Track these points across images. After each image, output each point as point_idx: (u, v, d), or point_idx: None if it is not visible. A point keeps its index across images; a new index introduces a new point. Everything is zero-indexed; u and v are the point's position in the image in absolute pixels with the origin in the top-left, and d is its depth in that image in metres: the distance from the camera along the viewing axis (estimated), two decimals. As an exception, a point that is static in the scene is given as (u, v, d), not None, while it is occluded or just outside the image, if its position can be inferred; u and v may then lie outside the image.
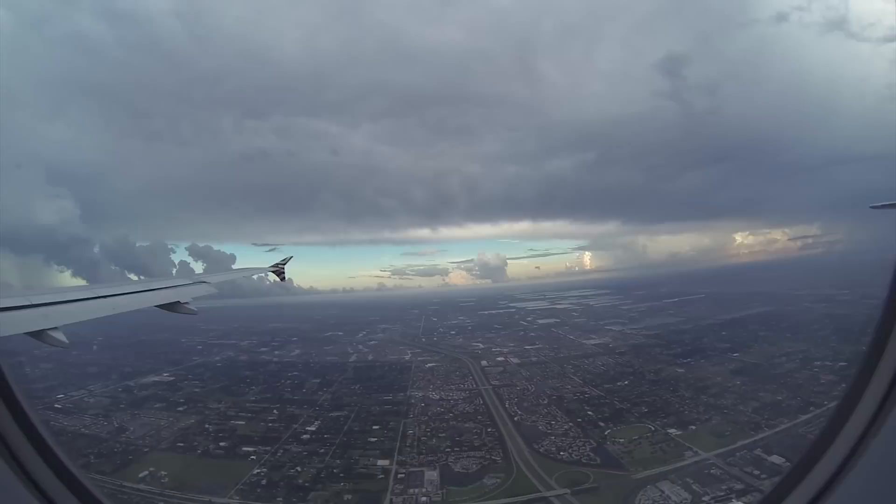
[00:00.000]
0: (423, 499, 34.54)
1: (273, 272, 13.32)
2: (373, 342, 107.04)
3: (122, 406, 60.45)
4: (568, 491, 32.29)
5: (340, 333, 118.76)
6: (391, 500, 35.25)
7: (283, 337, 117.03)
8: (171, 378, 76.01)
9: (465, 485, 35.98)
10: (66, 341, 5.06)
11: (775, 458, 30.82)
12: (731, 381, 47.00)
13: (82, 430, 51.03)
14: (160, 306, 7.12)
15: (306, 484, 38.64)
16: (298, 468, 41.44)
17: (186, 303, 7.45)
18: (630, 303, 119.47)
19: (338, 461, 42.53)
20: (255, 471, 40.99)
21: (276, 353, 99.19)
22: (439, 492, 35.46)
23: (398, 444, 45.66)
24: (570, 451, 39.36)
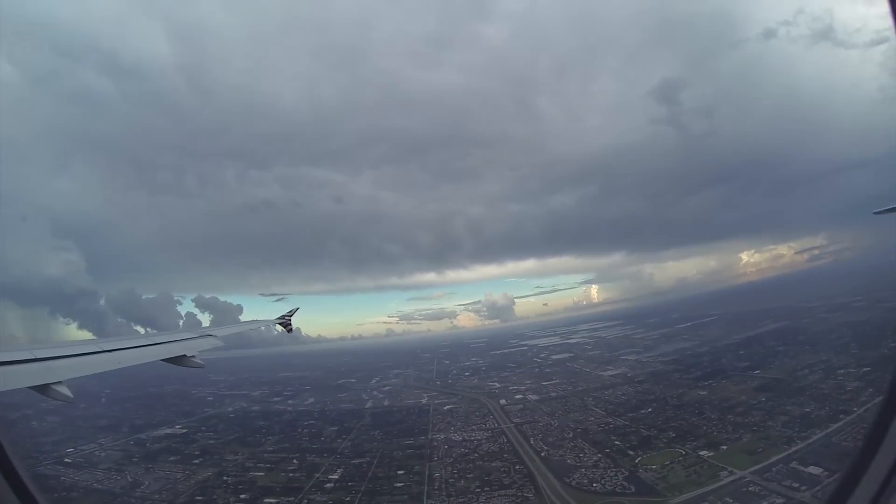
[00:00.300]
0: None
1: (280, 324, 13.31)
2: (387, 388, 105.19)
3: (134, 459, 59.69)
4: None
5: (353, 380, 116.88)
6: None
7: (294, 386, 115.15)
8: (184, 430, 74.90)
9: None
10: (71, 396, 5.05)
11: (813, 469, 30.41)
12: (755, 398, 46.56)
13: (94, 484, 50.36)
14: (166, 360, 7.13)
15: None
16: None
17: (193, 356, 7.44)
18: (643, 331, 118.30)
19: None
20: None
21: (290, 402, 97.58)
22: None
23: (426, 487, 44.82)
24: (602, 482, 38.58)
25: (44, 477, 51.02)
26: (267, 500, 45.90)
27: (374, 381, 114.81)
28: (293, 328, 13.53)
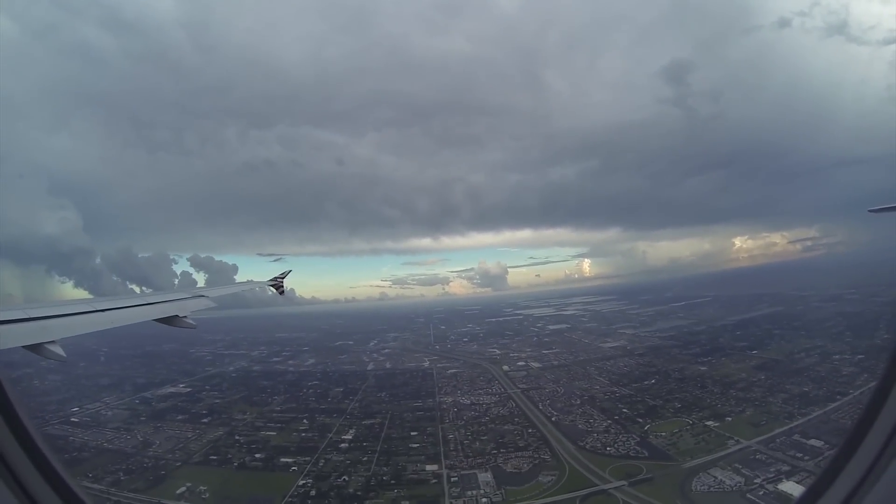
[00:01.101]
0: (484, 500, 35.77)
1: (272, 286, 13.35)
2: (387, 350, 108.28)
3: (142, 419, 60.10)
4: (625, 483, 34.61)
5: (351, 342, 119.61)
6: (451, 502, 36.16)
7: (293, 347, 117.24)
8: (188, 389, 75.84)
9: (521, 484, 37.52)
10: (64, 355, 5.09)
11: (814, 442, 33.89)
12: (755, 376, 50.41)
13: (105, 444, 50.34)
14: (158, 320, 7.19)
15: (358, 493, 38.96)
16: (345, 477, 41.81)
17: (185, 317, 7.49)
18: (637, 307, 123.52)
19: (384, 468, 43.25)
20: (301, 482, 40.99)
21: (291, 362, 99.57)
22: (498, 492, 36.66)
23: (442, 448, 46.55)
24: (615, 446, 41.81)
25: (52, 437, 50.99)
26: (283, 459, 46.29)
27: (372, 344, 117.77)
28: (285, 290, 13.65)
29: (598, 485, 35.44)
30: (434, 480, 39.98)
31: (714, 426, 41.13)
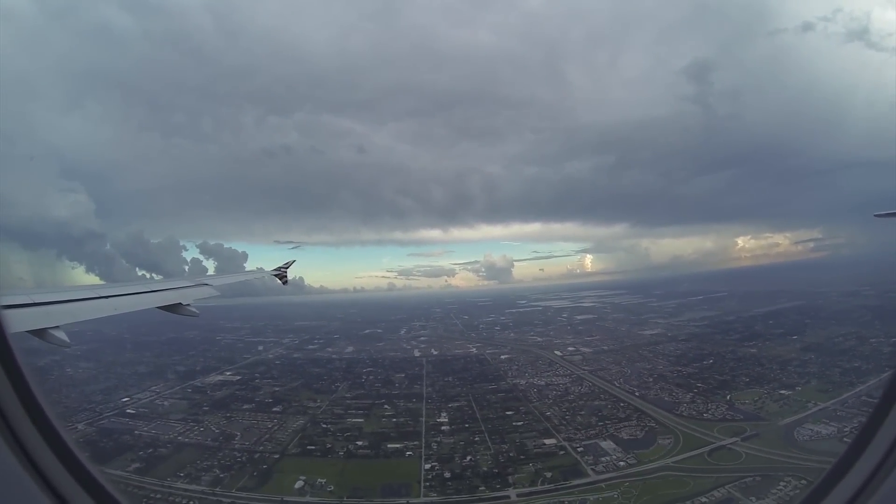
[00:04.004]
0: (621, 462, 41.99)
1: (276, 275, 13.92)
2: (423, 338, 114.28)
3: (205, 408, 60.70)
4: (737, 439, 43.46)
5: (380, 331, 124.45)
6: (592, 468, 40.93)
7: (320, 335, 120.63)
8: (238, 377, 77.78)
9: (646, 447, 44.19)
10: (68, 340, 5.36)
11: (882, 401, 44.43)
12: (805, 355, 61.64)
13: (180, 438, 50.10)
14: (162, 307, 7.50)
15: (494, 469, 41.71)
16: (469, 457, 44.02)
17: (188, 304, 7.79)
18: (654, 301, 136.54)
19: (503, 445, 46.26)
20: (427, 465, 42.71)
21: (329, 350, 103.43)
22: (628, 456, 42.47)
23: (546, 424, 51.08)
24: (709, 412, 50.88)
25: (112, 431, 51.20)
26: (390, 446, 47.52)
27: (403, 332, 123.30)
28: (289, 280, 14.24)
29: (712, 442, 44.25)
30: (562, 452, 44.34)
31: (788, 394, 51.36)
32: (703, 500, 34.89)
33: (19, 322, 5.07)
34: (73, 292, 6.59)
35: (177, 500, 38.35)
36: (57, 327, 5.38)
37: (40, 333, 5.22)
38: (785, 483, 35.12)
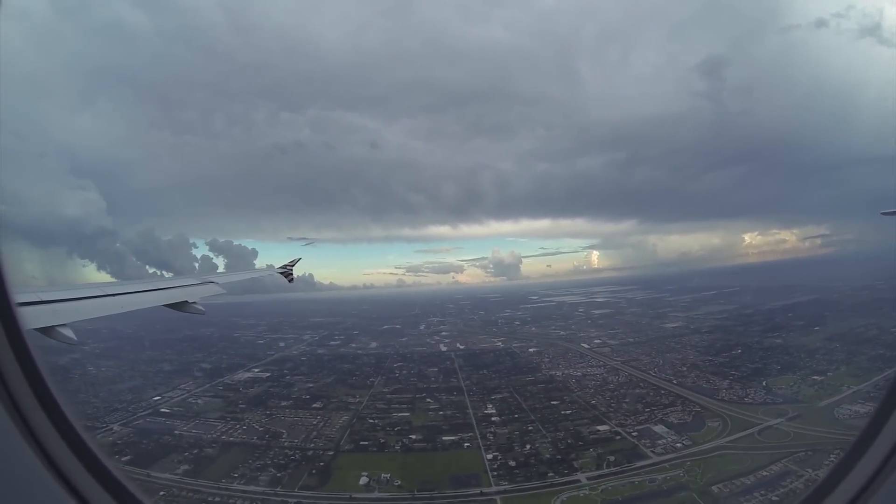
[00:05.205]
0: (678, 444, 45.31)
1: (281, 273, 14.20)
2: (444, 333, 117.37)
3: (241, 406, 61.63)
4: (782, 420, 47.76)
5: (398, 326, 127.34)
6: (651, 451, 43.76)
7: (339, 331, 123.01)
8: (267, 374, 79.45)
9: (697, 430, 47.60)
10: (75, 338, 5.53)
11: (913, 383, 49.09)
12: (829, 344, 66.39)
13: (224, 437, 50.42)
14: (169, 305, 7.75)
15: (558, 456, 43.84)
16: (528, 445, 45.99)
17: (194, 302, 8.01)
18: (668, 296, 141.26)
19: (559, 433, 48.50)
20: (489, 456, 44.37)
21: (352, 345, 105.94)
22: (682, 438, 45.66)
23: (595, 412, 53.90)
24: (750, 397, 55.15)
25: (150, 432, 51.53)
26: (445, 438, 48.91)
27: (422, 328, 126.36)
28: (293, 277, 14.52)
29: (759, 424, 48.42)
30: (617, 437, 47.01)
31: (821, 379, 55.93)
32: (764, 472, 38.91)
33: (27, 320, 5.93)
34: (80, 290, 6.77)
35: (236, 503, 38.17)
36: (64, 325, 5.55)
37: (48, 331, 5.39)
38: (836, 455, 39.34)
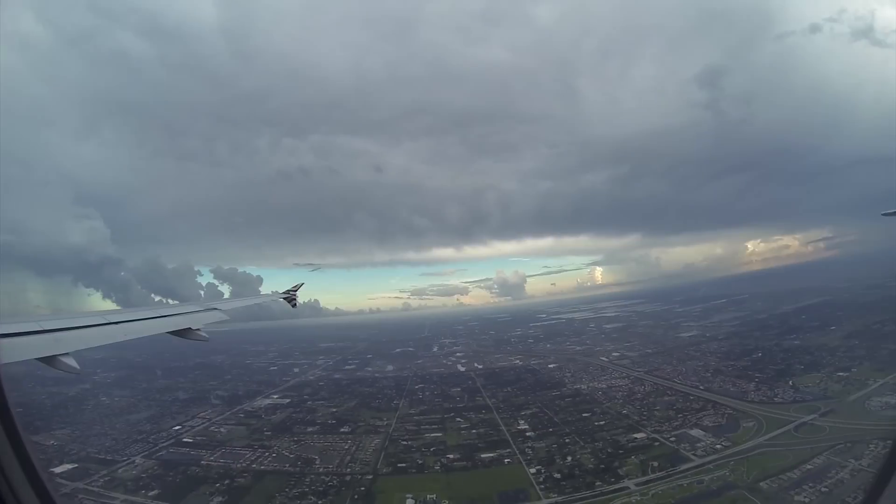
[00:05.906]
0: (718, 445, 46.08)
1: (285, 299, 14.26)
2: (459, 353, 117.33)
3: (267, 433, 61.36)
4: (816, 415, 48.88)
5: (411, 349, 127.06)
6: (692, 454, 44.45)
7: (352, 355, 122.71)
8: (286, 400, 79.28)
9: (733, 431, 48.64)
10: (78, 367, 5.44)
11: (936, 375, 51.00)
12: (848, 342, 68.25)
13: (254, 466, 49.77)
14: (172, 332, 7.79)
15: (601, 465, 44.62)
16: (569, 457, 46.71)
17: (198, 329, 8.06)
18: (678, 307, 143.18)
19: (597, 444, 49.19)
20: (532, 470, 44.77)
21: (368, 369, 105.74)
22: (721, 440, 46.49)
23: (628, 421, 54.74)
24: (779, 396, 56.33)
25: (175, 463, 50.79)
26: (482, 455, 49.01)
27: (435, 349, 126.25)
28: (297, 303, 14.59)
29: (793, 421, 49.47)
30: (656, 443, 47.77)
31: (846, 375, 57.44)
32: (809, 466, 39.93)
33: (29, 349, 5.19)
34: (82, 318, 6.73)
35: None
36: (66, 354, 5.50)
37: (50, 361, 5.31)
38: (875, 444, 40.53)
